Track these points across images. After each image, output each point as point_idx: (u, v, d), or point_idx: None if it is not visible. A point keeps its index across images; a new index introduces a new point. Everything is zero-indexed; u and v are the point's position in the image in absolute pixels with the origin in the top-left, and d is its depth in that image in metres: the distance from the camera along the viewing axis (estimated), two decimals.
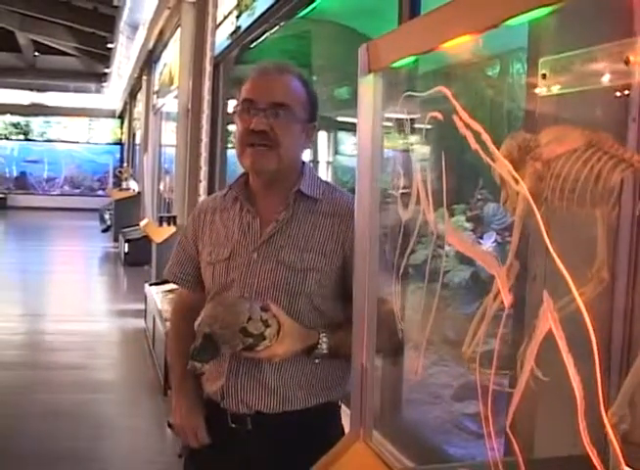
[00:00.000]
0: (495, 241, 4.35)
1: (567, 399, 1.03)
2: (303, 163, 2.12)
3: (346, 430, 2.02)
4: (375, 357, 1.60)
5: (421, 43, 1.36)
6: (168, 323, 2.38)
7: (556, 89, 0.99)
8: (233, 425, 2.06)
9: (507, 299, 0.99)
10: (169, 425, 2.20)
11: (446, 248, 1.39)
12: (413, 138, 1.50)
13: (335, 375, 2.08)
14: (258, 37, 5.83)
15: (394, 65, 1.39)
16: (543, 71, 1.00)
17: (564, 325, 1.21)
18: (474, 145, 1.05)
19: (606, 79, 0.93)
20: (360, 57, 1.52)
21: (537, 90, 0.99)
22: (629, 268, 1.59)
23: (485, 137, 1.02)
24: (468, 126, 1.06)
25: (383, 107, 1.49)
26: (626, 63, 0.84)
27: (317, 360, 1.98)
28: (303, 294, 1.99)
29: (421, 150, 1.59)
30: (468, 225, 4.48)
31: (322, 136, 8.23)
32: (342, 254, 2.00)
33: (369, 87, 1.51)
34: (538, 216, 0.96)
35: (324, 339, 1.94)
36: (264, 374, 2.02)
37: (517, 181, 1.00)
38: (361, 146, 1.53)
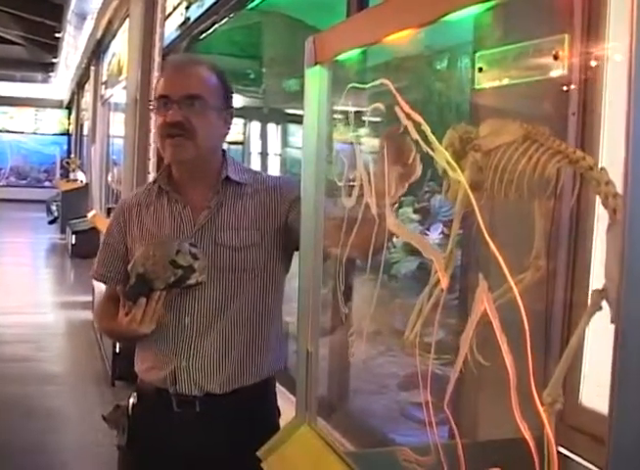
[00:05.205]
0: (442, 232, 4.40)
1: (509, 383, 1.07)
2: (224, 150, 2.19)
3: (283, 410, 2.08)
4: (319, 343, 1.64)
5: (366, 36, 1.39)
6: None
7: (491, 82, 1.03)
8: (179, 410, 2.08)
9: (444, 281, 1.03)
10: (104, 418, 2.22)
11: (394, 239, 1.41)
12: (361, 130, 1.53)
13: (277, 347, 2.17)
14: (208, 29, 5.82)
15: (340, 57, 1.42)
16: (480, 65, 1.03)
17: (504, 311, 1.26)
18: (414, 135, 1.09)
19: (536, 73, 0.96)
20: (307, 49, 1.55)
21: (475, 83, 1.03)
22: (568, 257, 1.65)
23: (425, 127, 1.05)
24: (409, 117, 1.10)
25: (328, 98, 1.52)
26: (555, 58, 0.88)
27: None
28: (248, 270, 2.06)
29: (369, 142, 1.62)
30: (415, 217, 4.53)
31: (271, 128, 8.19)
32: (276, 224, 2.09)
33: (315, 79, 1.54)
34: (475, 205, 0.99)
35: None
36: (216, 353, 2.06)
37: (454, 169, 1.03)
38: (306, 137, 1.56)
